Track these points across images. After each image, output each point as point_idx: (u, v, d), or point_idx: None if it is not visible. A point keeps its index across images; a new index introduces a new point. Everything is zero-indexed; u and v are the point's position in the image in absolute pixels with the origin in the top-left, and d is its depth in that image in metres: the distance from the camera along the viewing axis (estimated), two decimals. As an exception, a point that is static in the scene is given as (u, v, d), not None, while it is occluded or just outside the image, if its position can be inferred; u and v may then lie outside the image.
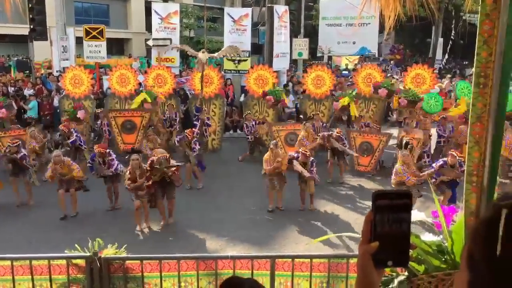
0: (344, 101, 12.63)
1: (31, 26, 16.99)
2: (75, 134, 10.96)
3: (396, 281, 3.02)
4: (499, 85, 2.60)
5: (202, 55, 12.42)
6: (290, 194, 9.57)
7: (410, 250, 1.08)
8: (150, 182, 8.08)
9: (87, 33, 16.38)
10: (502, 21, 2.53)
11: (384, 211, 1.04)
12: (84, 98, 13.42)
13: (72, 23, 24.08)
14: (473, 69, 2.71)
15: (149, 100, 12.74)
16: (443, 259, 3.02)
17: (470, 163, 2.71)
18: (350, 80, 19.36)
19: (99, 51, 16.53)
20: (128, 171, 8.22)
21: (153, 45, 17.85)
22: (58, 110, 14.25)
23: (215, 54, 13.20)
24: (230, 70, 17.13)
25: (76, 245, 3.95)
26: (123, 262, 3.73)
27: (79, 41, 17.82)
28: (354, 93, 13.12)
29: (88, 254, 3.70)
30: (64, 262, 3.69)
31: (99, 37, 16.40)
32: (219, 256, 4.08)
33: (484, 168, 2.66)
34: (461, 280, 0.88)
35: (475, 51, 2.60)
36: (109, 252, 3.82)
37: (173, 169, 8.25)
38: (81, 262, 3.69)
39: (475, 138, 2.67)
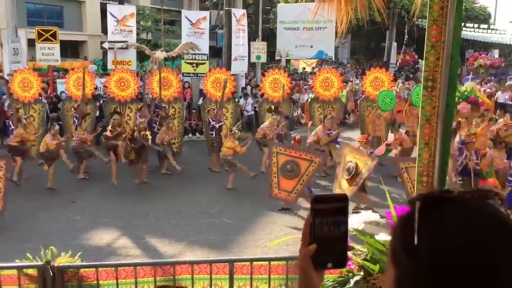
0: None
1: (-21, 28, 16.38)
2: None
3: (352, 281, 3.07)
4: (447, 88, 2.70)
5: (160, 53, 12.41)
6: (252, 196, 9.60)
7: (348, 251, 1.11)
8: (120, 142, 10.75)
9: (40, 35, 15.91)
10: (448, 27, 2.63)
11: (322, 215, 1.06)
12: (34, 102, 13.01)
13: (24, 25, 23.28)
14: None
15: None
16: (397, 258, 3.09)
17: (420, 164, 2.79)
18: (309, 83, 19.62)
19: (52, 54, 16.10)
20: (110, 127, 10.73)
21: (109, 48, 17.53)
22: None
23: (172, 52, 13.14)
24: (189, 73, 17.02)
25: (27, 254, 3.82)
26: (77, 270, 3.63)
27: (31, 43, 17.29)
28: (312, 96, 13.24)
29: (40, 263, 3.58)
30: (15, 272, 3.56)
31: (52, 39, 15.97)
32: (177, 262, 4.03)
33: (434, 168, 2.75)
34: (388, 276, 0.92)
35: (424, 56, 2.69)
36: (62, 260, 3.71)
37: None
38: (33, 271, 3.57)
39: (424, 139, 2.75)
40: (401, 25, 33.49)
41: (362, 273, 3.11)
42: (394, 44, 33.95)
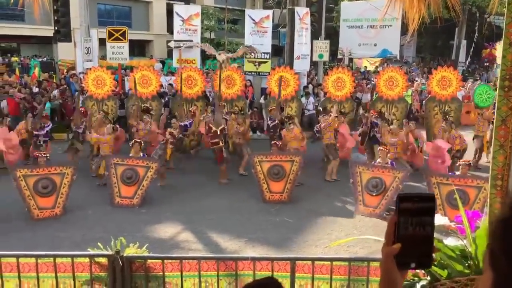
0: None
1: (56, 28, 17.31)
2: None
3: (418, 286, 2.99)
4: (525, 88, 2.57)
5: (219, 57, 12.70)
6: (311, 196, 9.55)
7: (433, 253, 1.09)
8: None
9: (110, 34, 16.61)
10: (529, 24, 2.50)
11: (407, 214, 1.04)
12: (107, 98, 13.62)
13: (95, 24, 24.42)
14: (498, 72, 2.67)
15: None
16: (467, 264, 2.98)
17: (494, 167, 2.67)
18: (372, 82, 19.22)
19: (122, 53, 16.74)
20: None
21: (174, 47, 18.00)
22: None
23: (232, 55, 13.34)
24: (251, 71, 17.16)
25: (98, 243, 4.01)
26: (145, 261, 3.77)
27: (102, 42, 18.07)
28: (376, 96, 12.98)
29: (110, 252, 3.75)
30: (87, 260, 3.75)
31: (122, 38, 16.61)
32: (239, 257, 4.08)
33: (509, 171, 2.63)
34: (485, 281, 0.89)
35: (501, 54, 2.57)
36: (131, 251, 3.86)
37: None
38: (104, 260, 3.74)
39: (500, 141, 2.63)
40: (471, 22, 32.03)
41: (428, 277, 3.01)
42: (464, 42, 32.50)
